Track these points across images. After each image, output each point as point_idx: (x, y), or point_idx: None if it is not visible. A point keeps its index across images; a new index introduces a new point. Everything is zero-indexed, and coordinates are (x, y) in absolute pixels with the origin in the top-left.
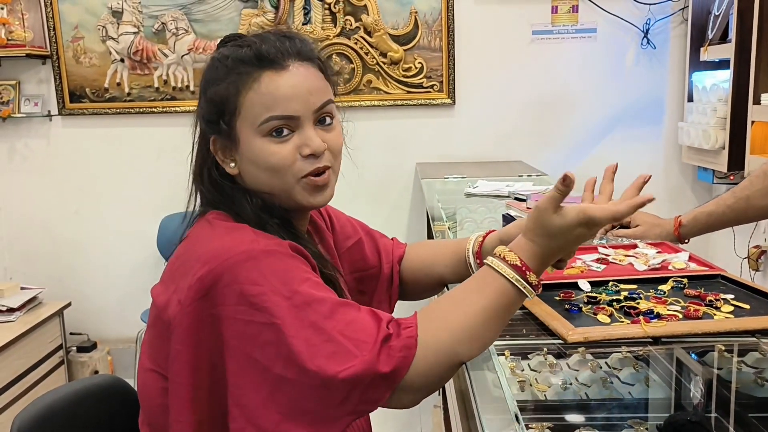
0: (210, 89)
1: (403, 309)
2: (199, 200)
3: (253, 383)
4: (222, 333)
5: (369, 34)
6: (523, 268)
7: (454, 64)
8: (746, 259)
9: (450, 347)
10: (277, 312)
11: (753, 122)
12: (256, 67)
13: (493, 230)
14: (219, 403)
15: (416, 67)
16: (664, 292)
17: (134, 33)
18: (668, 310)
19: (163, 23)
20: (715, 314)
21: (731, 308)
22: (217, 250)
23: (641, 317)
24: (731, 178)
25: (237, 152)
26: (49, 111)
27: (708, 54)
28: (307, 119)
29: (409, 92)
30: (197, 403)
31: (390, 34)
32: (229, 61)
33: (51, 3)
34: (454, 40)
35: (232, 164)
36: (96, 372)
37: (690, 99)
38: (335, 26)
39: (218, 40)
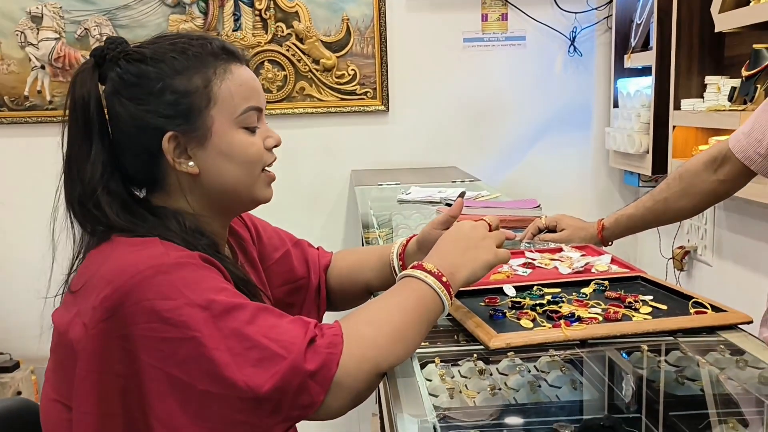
0: (169, 82)
1: (328, 319)
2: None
3: (178, 402)
4: (136, 355)
5: (301, 41)
6: (438, 273)
7: (387, 71)
8: (671, 260)
9: (375, 343)
10: (195, 325)
11: (674, 127)
12: (224, 59)
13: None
14: (136, 430)
15: (349, 74)
16: (586, 295)
17: (55, 39)
18: (589, 312)
19: (86, 29)
20: (633, 316)
21: (649, 309)
22: (122, 266)
23: (562, 321)
24: (656, 181)
25: (203, 147)
26: None
27: (631, 61)
28: (263, 112)
29: (342, 99)
30: None
31: (322, 41)
32: (190, 54)
33: None
34: (386, 47)
35: (191, 163)
36: (19, 393)
37: (615, 105)
38: (266, 33)
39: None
